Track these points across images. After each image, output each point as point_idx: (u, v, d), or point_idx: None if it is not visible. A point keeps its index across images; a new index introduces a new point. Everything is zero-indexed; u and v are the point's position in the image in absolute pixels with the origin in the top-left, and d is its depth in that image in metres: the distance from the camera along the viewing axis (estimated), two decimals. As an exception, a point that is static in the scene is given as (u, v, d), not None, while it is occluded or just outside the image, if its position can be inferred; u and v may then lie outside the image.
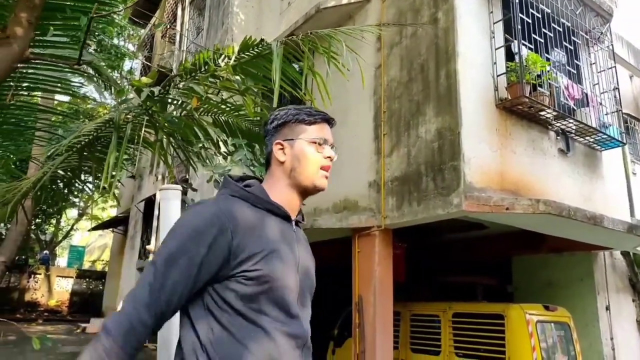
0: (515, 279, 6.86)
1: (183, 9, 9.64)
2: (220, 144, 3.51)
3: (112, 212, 20.79)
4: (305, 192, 1.29)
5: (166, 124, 3.19)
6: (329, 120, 1.34)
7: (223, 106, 3.49)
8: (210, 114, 3.51)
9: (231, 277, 1.12)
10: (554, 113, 4.56)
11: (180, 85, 3.14)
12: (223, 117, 3.56)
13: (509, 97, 4.42)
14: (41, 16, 3.55)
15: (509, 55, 4.61)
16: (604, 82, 5.40)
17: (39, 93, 4.37)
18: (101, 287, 17.16)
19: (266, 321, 1.12)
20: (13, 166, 5.61)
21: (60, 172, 4.23)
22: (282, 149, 1.29)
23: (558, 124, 4.77)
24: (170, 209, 2.07)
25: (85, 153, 3.46)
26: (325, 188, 1.29)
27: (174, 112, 3.32)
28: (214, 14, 8.26)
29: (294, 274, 1.20)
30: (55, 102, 7.09)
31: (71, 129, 4.35)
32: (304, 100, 3.49)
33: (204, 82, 2.90)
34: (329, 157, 1.28)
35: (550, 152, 4.83)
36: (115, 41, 13.29)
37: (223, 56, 3.04)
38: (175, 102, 3.26)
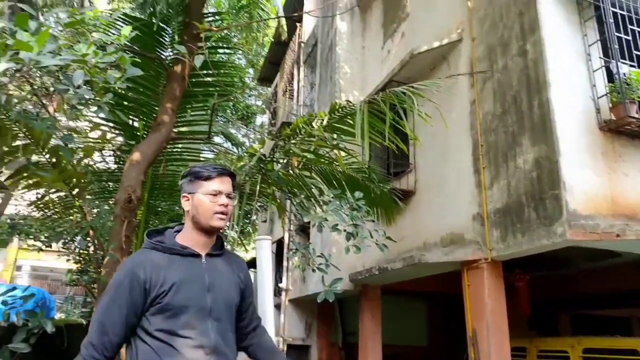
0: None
1: (298, 68, 10.75)
2: (317, 192, 4.03)
3: (247, 256, 22.76)
4: (206, 231, 1.70)
5: (274, 181, 3.83)
6: (225, 174, 1.73)
7: (322, 160, 4.04)
8: (310, 168, 4.07)
9: (148, 309, 1.57)
10: (670, 129, 4.24)
11: (286, 147, 3.77)
12: (321, 168, 4.10)
13: (613, 118, 4.25)
14: (181, 103, 4.52)
15: (610, 76, 4.45)
16: None
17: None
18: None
19: (177, 341, 1.54)
20: (171, 222, 6.84)
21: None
22: (187, 200, 1.71)
23: (679, 140, 4.39)
24: (262, 255, 2.58)
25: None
26: (221, 227, 1.71)
27: (280, 170, 3.95)
28: (323, 70, 9.11)
29: (202, 296, 1.61)
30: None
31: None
32: (402, 148, 3.83)
33: (299, 145, 3.47)
34: (223, 204, 1.67)
35: (674, 170, 4.44)
36: (247, 102, 15.14)
37: (316, 119, 3.60)
38: (280, 162, 3.89)
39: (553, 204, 4.05)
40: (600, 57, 4.45)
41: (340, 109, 3.51)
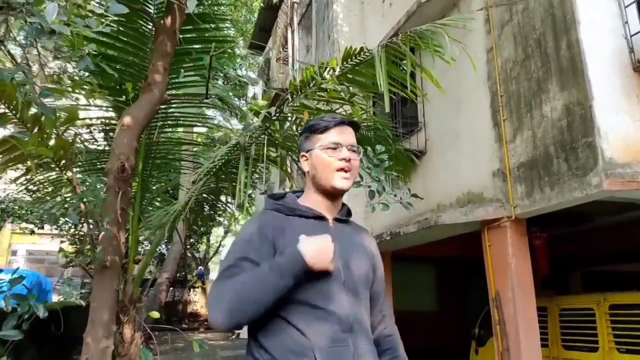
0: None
1: (292, 32, 10.21)
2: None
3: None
4: (328, 194, 1.42)
5: (283, 140, 3.45)
6: (345, 123, 1.43)
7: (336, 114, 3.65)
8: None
9: None
10: None
11: (292, 104, 3.38)
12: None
13: (650, 57, 3.88)
14: (173, 62, 4.09)
15: (644, 11, 4.06)
16: None
17: (181, 129, 5.00)
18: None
19: (309, 313, 1.26)
20: (166, 194, 6.47)
21: (205, 195, 4.79)
22: (306, 160, 1.45)
23: None
24: None
25: (222, 175, 3.89)
26: (345, 187, 1.40)
27: (289, 129, 3.57)
28: (320, 30, 8.61)
29: (333, 263, 1.31)
30: (195, 134, 8.02)
31: (209, 157, 4.90)
32: (414, 99, 3.47)
33: (312, 97, 3.08)
34: (344, 159, 1.37)
35: None
36: (239, 72, 14.56)
37: (328, 69, 3.20)
38: (289, 119, 3.51)
39: (586, 152, 3.72)
40: (633, -10, 4.04)
41: (354, 56, 3.11)
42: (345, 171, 1.38)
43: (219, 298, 1.25)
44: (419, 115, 6.18)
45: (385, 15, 7.32)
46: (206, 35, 4.29)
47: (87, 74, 4.16)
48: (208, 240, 22.59)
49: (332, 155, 1.38)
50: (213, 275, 27.89)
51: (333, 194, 1.42)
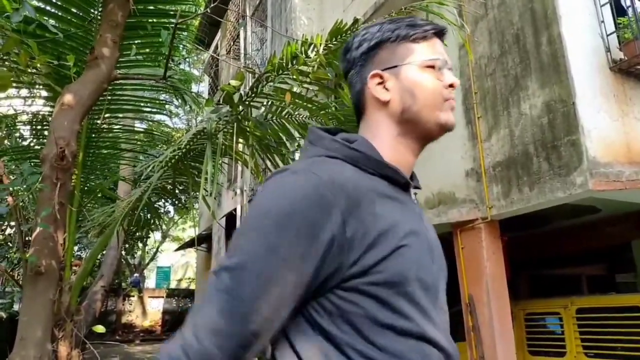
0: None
1: (245, 24, 9.71)
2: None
3: (192, 232, 21.57)
4: (426, 138, 0.87)
5: (254, 128, 3.04)
6: (442, 32, 0.90)
7: (310, 105, 3.28)
8: (295, 116, 3.31)
9: (348, 279, 0.69)
10: (681, 69, 3.93)
11: (270, 84, 2.97)
12: (308, 117, 3.34)
13: (625, 58, 3.87)
14: (124, 36, 3.55)
15: (620, 11, 4.05)
16: None
17: (131, 115, 4.41)
18: (190, 305, 17.75)
19: (404, 345, 0.71)
20: (112, 190, 5.78)
21: (156, 192, 4.23)
22: (381, 82, 0.86)
23: (686, 82, 4.11)
24: None
25: (180, 167, 3.39)
26: (454, 127, 0.88)
27: (263, 115, 3.16)
28: (276, 22, 8.21)
29: (429, 265, 0.78)
30: (136, 127, 7.31)
31: (157, 152, 4.36)
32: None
33: (297, 76, 2.69)
34: (452, 85, 0.86)
35: (678, 115, 4.18)
36: (182, 66, 13.78)
37: (312, 46, 2.83)
38: (264, 104, 3.10)
39: (570, 151, 3.61)
40: (610, -11, 4.03)
41: (345, 33, 2.77)
42: (453, 106, 0.87)
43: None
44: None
45: (347, 10, 7.07)
46: (164, 8, 3.77)
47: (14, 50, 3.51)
48: (145, 245, 21.31)
49: (438, 77, 0.85)
50: (148, 282, 26.44)
51: (431, 139, 0.87)
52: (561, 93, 3.71)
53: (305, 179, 0.70)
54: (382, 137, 0.85)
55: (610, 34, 3.95)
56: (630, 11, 3.91)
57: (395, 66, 0.85)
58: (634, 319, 4.27)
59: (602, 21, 3.99)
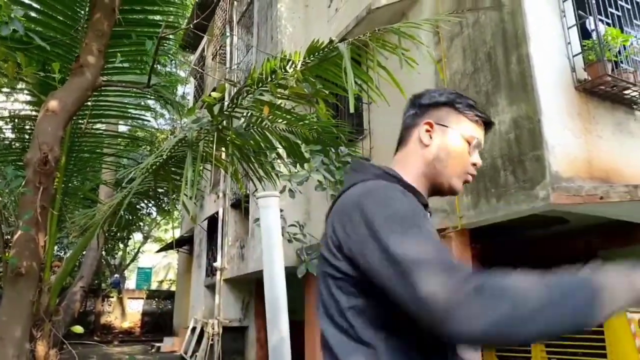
0: (604, 275, 6.32)
1: (232, 29, 9.83)
2: (284, 154, 3.44)
3: (174, 234, 21.49)
4: (434, 189, 1.07)
5: (234, 137, 3.16)
6: (489, 125, 1.12)
7: (289, 116, 3.42)
8: (273, 127, 3.45)
9: None
10: (641, 91, 4.18)
11: (250, 97, 3.10)
12: (288, 128, 3.48)
13: (589, 78, 4.09)
14: (109, 44, 3.65)
15: (585, 34, 4.28)
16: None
17: (114, 121, 4.49)
18: (170, 307, 17.68)
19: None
20: (93, 192, 5.84)
21: (138, 196, 4.32)
22: (429, 130, 1.07)
23: (645, 103, 4.36)
24: (269, 216, 1.98)
25: (161, 173, 3.50)
26: (458, 192, 1.09)
27: (244, 125, 3.29)
28: (262, 30, 8.34)
29: None
30: (120, 129, 7.37)
31: (140, 154, 4.45)
32: (365, 103, 3.34)
33: (274, 90, 2.83)
34: (475, 164, 1.06)
35: (639, 134, 4.42)
36: (168, 68, 13.79)
37: (290, 62, 2.97)
38: (244, 114, 3.23)
39: (534, 166, 3.81)
40: (575, 12, 4.25)
41: (321, 50, 2.92)
42: (472, 177, 1.08)
43: (488, 294, 0.75)
44: (364, 122, 6.12)
45: (331, 20, 7.23)
46: (149, 18, 3.89)
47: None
48: (126, 245, 21.15)
49: (472, 153, 1.06)
50: (129, 283, 26.19)
51: (438, 192, 1.09)
52: (528, 110, 3.92)
53: (401, 191, 0.93)
54: (411, 169, 1.06)
55: (576, 55, 4.18)
56: (594, 35, 4.13)
57: (446, 126, 1.06)
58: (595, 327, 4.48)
59: (569, 43, 4.22)
